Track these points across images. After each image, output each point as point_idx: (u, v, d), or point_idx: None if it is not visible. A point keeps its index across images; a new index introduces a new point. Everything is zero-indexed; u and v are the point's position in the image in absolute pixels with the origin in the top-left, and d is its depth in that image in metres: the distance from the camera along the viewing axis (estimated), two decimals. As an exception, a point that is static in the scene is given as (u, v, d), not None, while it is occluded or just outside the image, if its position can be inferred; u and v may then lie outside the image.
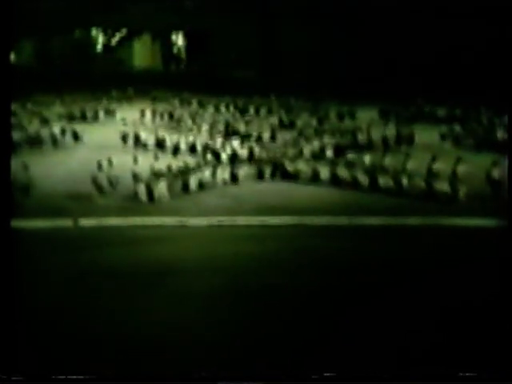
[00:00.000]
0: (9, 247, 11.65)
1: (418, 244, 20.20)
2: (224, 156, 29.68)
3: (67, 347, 12.94)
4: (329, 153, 30.91)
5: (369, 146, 32.59)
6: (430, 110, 41.82)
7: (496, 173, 25.62)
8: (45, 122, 39.42)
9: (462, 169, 26.52)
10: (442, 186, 25.31)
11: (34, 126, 37.48)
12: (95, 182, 25.94)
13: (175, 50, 69.89)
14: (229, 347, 13.02)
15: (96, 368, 11.78)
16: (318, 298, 15.79)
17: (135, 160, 28.53)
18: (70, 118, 41.93)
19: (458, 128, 35.93)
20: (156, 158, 29.29)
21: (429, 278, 16.98)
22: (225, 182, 27.35)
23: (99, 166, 27.54)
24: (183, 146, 32.65)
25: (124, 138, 34.86)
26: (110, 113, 44.39)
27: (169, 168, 26.89)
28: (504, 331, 12.35)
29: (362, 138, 33.73)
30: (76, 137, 36.19)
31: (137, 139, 34.45)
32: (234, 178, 27.57)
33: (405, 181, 26.27)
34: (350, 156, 29.95)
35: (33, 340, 12.92)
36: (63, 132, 36.58)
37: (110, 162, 27.89)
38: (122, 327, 14.02)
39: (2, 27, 12.27)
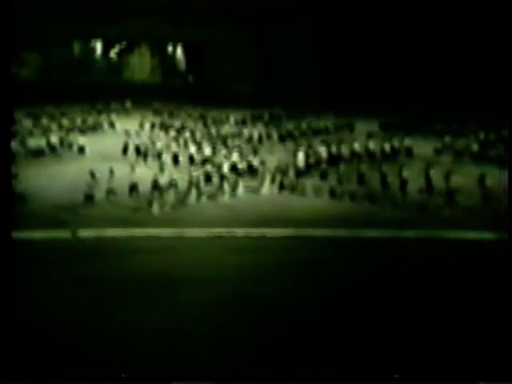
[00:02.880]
0: (9, 257, 11.69)
1: (415, 256, 20.29)
2: (223, 168, 29.79)
3: (66, 356, 12.97)
4: (323, 165, 31.06)
5: (366, 157, 32.76)
6: (429, 123, 42.05)
7: (488, 184, 25.85)
8: (45, 132, 39.56)
9: (457, 181, 26.74)
10: (438, 198, 25.55)
11: (35, 137, 37.62)
12: (87, 194, 26.04)
13: (173, 63, 70.18)
14: (227, 356, 13.08)
15: (94, 376, 11.83)
16: (316, 308, 15.87)
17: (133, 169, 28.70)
18: (71, 129, 42.03)
19: (455, 141, 36.14)
20: (154, 169, 29.35)
21: (426, 288, 17.09)
22: (224, 194, 27.40)
23: (92, 176, 27.64)
24: (182, 159, 32.77)
25: (124, 150, 34.94)
26: (109, 124, 44.55)
27: (169, 180, 27.07)
28: (502, 334, 12.43)
29: (359, 149, 33.92)
30: (78, 148, 36.28)
31: (136, 151, 34.51)
32: (233, 189, 27.65)
33: (402, 193, 26.53)
34: (345, 167, 30.14)
35: (33, 349, 12.95)
36: (63, 143, 36.75)
37: (111, 172, 28.03)
38: (121, 336, 14.07)
39: (3, 40, 12.38)
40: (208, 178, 28.21)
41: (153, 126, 42.69)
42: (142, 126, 42.47)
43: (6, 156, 12.22)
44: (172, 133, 40.36)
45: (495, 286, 15.64)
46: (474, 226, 22.44)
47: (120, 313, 15.33)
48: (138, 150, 34.35)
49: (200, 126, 42.60)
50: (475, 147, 34.88)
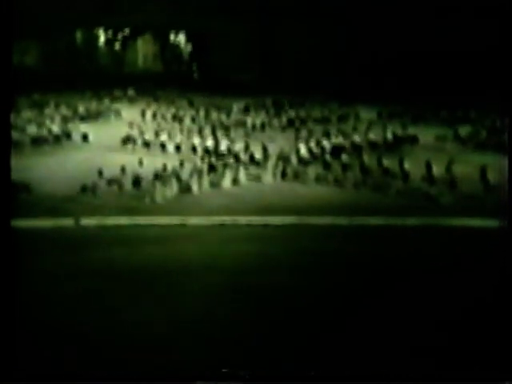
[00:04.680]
0: (9, 246, 11.61)
1: (417, 244, 20.28)
2: (227, 157, 29.75)
3: (66, 351, 12.83)
4: (327, 155, 30.96)
5: (368, 147, 32.69)
6: (431, 111, 41.92)
7: (490, 173, 25.80)
8: (49, 121, 39.59)
9: (459, 169, 26.69)
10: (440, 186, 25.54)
11: (38, 126, 37.65)
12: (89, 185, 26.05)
13: (177, 51, 69.98)
14: (229, 346, 13.09)
15: (96, 368, 11.82)
16: (319, 297, 15.87)
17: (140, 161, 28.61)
18: (73, 117, 42.03)
19: (459, 129, 36.03)
20: (157, 158, 29.29)
21: (428, 277, 17.08)
22: (227, 183, 27.34)
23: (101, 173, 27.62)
24: (184, 147, 32.71)
25: (126, 139, 34.89)
26: (112, 113, 44.54)
27: (172, 168, 27.09)
28: (503, 331, 12.37)
29: (360, 138, 33.84)
30: (81, 137, 36.25)
31: (139, 140, 34.44)
32: (235, 178, 27.59)
33: (403, 181, 26.53)
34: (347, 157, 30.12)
35: (33, 341, 12.86)
36: (66, 132, 36.72)
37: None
38: (123, 330, 13.95)
39: (3, 28, 12.34)
40: (211, 166, 28.16)
41: (155, 114, 42.66)
42: (143, 114, 42.44)
43: (5, 144, 12.19)
44: (175, 121, 40.36)
45: (497, 277, 15.50)
46: (477, 214, 22.42)
47: (122, 304, 15.24)
48: (140, 139, 34.31)
49: (202, 114, 42.55)
50: (478, 135, 34.80)
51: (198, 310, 14.98)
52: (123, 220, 22.66)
